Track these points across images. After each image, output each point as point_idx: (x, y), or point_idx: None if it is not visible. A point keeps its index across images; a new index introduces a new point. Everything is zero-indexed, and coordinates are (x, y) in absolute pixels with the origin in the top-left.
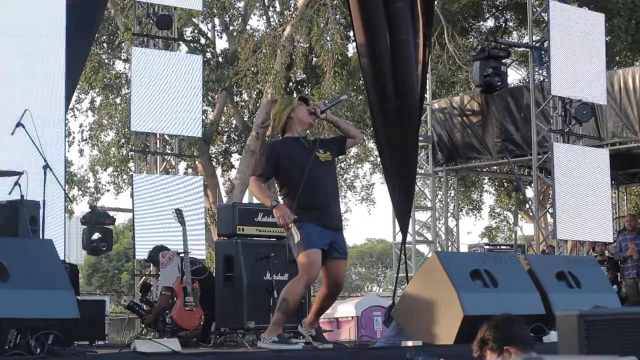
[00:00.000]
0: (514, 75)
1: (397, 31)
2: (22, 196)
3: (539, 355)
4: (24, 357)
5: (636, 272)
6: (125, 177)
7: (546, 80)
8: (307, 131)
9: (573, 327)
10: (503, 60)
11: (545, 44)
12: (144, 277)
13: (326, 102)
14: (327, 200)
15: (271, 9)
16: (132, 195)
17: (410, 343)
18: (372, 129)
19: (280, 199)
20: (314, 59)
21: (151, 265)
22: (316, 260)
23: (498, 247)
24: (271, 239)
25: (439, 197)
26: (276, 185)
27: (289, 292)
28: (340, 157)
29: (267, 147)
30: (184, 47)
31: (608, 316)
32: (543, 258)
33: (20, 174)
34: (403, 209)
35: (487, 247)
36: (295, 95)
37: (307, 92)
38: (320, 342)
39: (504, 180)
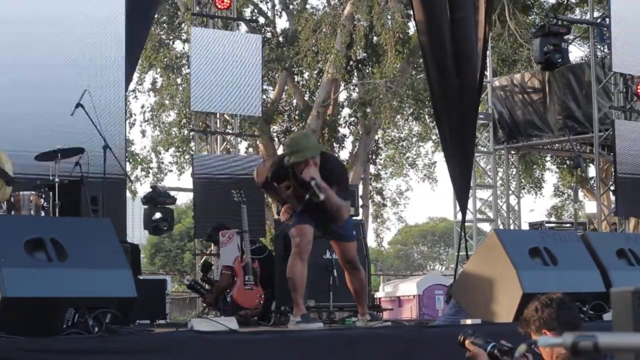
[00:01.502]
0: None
1: (456, 9)
2: (82, 176)
3: (592, 333)
4: (82, 335)
5: None
6: (187, 157)
7: (607, 56)
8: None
9: (627, 304)
10: (564, 37)
11: (607, 20)
12: (205, 257)
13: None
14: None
15: None
16: (192, 175)
17: (469, 321)
18: (432, 107)
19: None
20: (375, 38)
21: (212, 244)
22: (305, 232)
23: (560, 225)
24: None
25: (500, 175)
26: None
27: (288, 270)
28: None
29: (271, 167)
30: (243, 27)
31: None
32: (603, 236)
33: (80, 152)
34: (462, 188)
35: (548, 225)
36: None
37: (367, 71)
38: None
39: (566, 158)
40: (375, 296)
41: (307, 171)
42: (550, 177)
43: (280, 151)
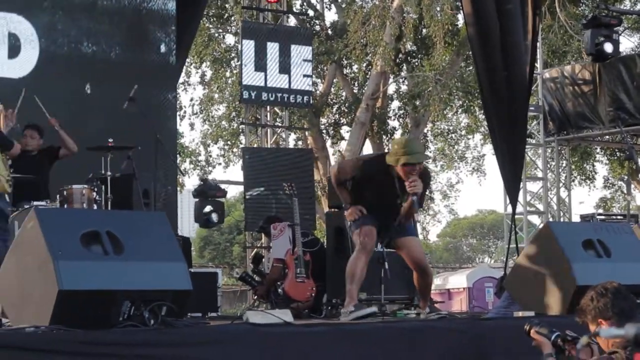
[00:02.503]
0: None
1: (504, 0)
2: (134, 170)
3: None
4: (138, 328)
5: None
6: (235, 150)
7: None
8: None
9: None
10: (615, 28)
11: None
12: (255, 249)
13: (417, 200)
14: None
15: None
16: (243, 168)
17: (521, 314)
18: (480, 99)
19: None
20: (424, 30)
21: (262, 237)
22: (370, 233)
23: (611, 217)
24: None
25: (551, 167)
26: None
27: (350, 266)
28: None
29: (359, 166)
30: (292, 20)
31: None
32: None
33: (132, 148)
34: (512, 180)
35: (599, 217)
36: (407, 141)
37: (416, 64)
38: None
39: (617, 150)
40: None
41: (416, 184)
42: (601, 169)
43: (329, 144)
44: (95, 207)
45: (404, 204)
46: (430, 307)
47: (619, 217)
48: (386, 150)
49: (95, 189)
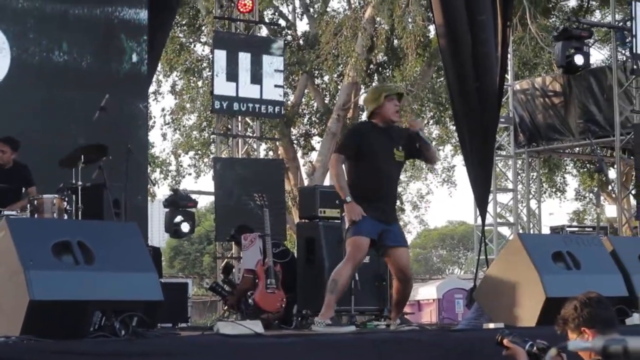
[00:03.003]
0: (597, 56)
1: (476, 12)
2: (105, 180)
3: (622, 337)
4: (109, 338)
5: None
6: (206, 160)
7: (629, 60)
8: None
9: None
10: (585, 41)
11: (628, 24)
12: (225, 260)
13: (423, 133)
14: (387, 198)
15: None
16: (213, 178)
17: (491, 325)
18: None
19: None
20: (395, 41)
21: (233, 247)
22: (362, 245)
23: (581, 229)
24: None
25: (521, 179)
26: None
27: (337, 274)
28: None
29: (354, 127)
30: (264, 30)
31: None
32: (626, 240)
33: (103, 153)
34: (482, 191)
35: (569, 229)
36: (382, 84)
37: (388, 75)
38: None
39: (587, 162)
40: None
41: (414, 121)
42: (572, 181)
43: (300, 154)
44: (65, 217)
45: (396, 152)
46: (400, 319)
47: (589, 229)
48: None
49: (66, 199)
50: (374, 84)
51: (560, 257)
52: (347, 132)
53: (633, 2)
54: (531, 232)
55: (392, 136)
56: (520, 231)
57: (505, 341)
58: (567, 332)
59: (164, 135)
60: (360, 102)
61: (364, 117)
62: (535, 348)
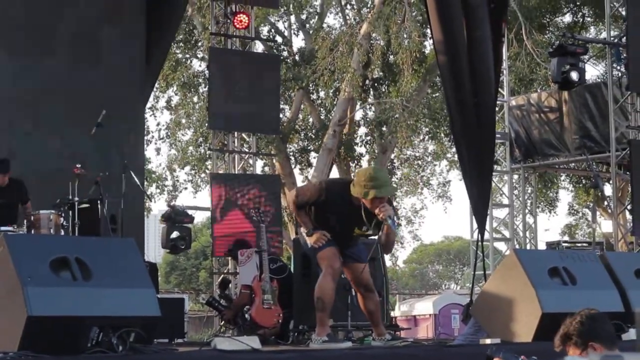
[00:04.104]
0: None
1: (473, 28)
2: (102, 195)
3: (619, 353)
4: (106, 354)
5: None
6: (203, 175)
7: (624, 76)
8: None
9: None
10: (581, 57)
11: (624, 40)
12: (222, 275)
13: (393, 218)
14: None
15: (348, 6)
16: (210, 194)
17: (488, 340)
18: (449, 126)
19: None
20: (391, 57)
21: (229, 263)
22: (334, 253)
23: (577, 244)
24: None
25: (517, 194)
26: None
27: (319, 289)
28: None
29: (324, 192)
30: (260, 46)
31: None
32: (622, 255)
33: (100, 173)
34: (480, 206)
35: (565, 244)
36: (377, 174)
37: (384, 90)
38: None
39: (582, 177)
40: (391, 315)
41: (387, 208)
42: (565, 196)
43: (297, 170)
44: (62, 232)
45: (369, 231)
46: (390, 334)
47: (584, 244)
48: (352, 177)
49: (63, 215)
50: (364, 167)
51: (556, 273)
52: (315, 190)
53: (627, 19)
54: (527, 247)
55: (360, 217)
56: (517, 246)
57: (496, 359)
58: (567, 350)
59: (158, 150)
60: (357, 117)
61: (360, 132)
62: None
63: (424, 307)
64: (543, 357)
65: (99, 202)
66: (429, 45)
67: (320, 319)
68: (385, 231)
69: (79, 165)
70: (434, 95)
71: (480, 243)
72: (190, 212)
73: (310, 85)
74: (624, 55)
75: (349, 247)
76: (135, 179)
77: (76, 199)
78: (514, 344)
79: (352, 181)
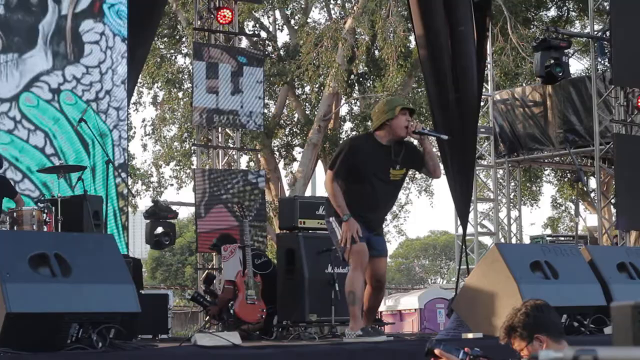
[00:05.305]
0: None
1: (456, 23)
2: (85, 191)
3: (592, 347)
4: (86, 350)
5: None
6: (188, 171)
7: (608, 70)
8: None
9: (627, 318)
10: (564, 51)
11: (607, 34)
12: (207, 271)
13: (427, 128)
14: (379, 214)
15: (332, 1)
16: (194, 190)
17: (470, 335)
18: (431, 121)
19: None
20: (376, 52)
21: (214, 258)
22: (363, 249)
23: (560, 238)
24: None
25: (501, 188)
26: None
27: (350, 283)
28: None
29: (349, 144)
30: (244, 41)
31: None
32: (604, 249)
33: (83, 169)
34: (463, 201)
35: (549, 238)
36: (394, 97)
37: (369, 85)
38: (382, 334)
39: (566, 171)
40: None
41: (416, 122)
42: (548, 190)
43: (281, 165)
44: (45, 228)
45: (404, 169)
46: (372, 328)
47: (568, 238)
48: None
49: (46, 211)
50: (385, 98)
51: (538, 267)
52: (342, 148)
53: (611, 13)
54: (512, 241)
55: (391, 154)
56: (502, 240)
57: (436, 351)
58: (512, 342)
59: (144, 146)
60: (342, 112)
61: (345, 127)
62: (468, 357)
63: (410, 301)
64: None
65: (82, 198)
66: (414, 40)
67: (353, 312)
68: (425, 149)
69: (62, 161)
70: (419, 90)
71: (463, 237)
72: (174, 207)
73: (295, 81)
74: (608, 49)
75: (380, 221)
76: (119, 174)
77: (59, 195)
78: (496, 338)
79: (370, 130)
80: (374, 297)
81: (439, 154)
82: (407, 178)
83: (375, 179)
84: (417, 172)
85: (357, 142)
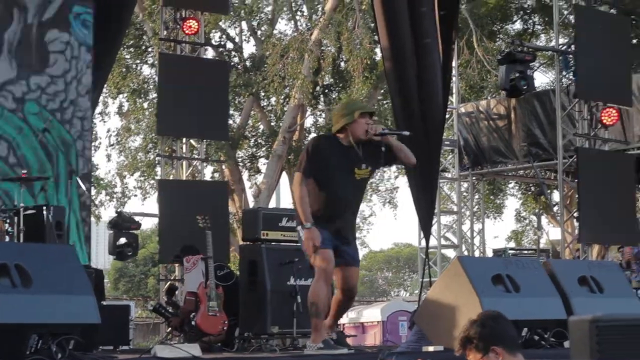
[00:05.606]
0: (542, 79)
1: (422, 35)
2: (47, 201)
3: None
4: None
5: None
6: (152, 181)
7: (572, 84)
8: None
9: (584, 333)
10: (529, 64)
11: (572, 48)
12: (169, 282)
13: (388, 128)
14: (346, 217)
15: (299, 13)
16: (158, 200)
17: (431, 348)
18: None
19: None
20: (342, 64)
21: (177, 270)
22: (328, 256)
23: (523, 251)
24: (295, 244)
25: (465, 201)
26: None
27: (313, 294)
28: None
29: (312, 143)
30: (210, 52)
31: (619, 322)
32: (566, 263)
33: (46, 179)
34: (426, 214)
35: (511, 251)
36: (353, 100)
37: (334, 97)
38: (343, 347)
39: (531, 185)
40: (339, 322)
41: (376, 124)
42: (512, 203)
43: (246, 176)
44: (7, 238)
45: (370, 167)
46: (340, 339)
47: (530, 251)
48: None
49: (8, 221)
50: (344, 101)
51: (499, 280)
52: (305, 149)
53: (575, 27)
54: (475, 254)
55: (355, 154)
56: (465, 253)
57: None
58: (468, 354)
59: (108, 157)
60: (307, 124)
61: (309, 138)
62: None
63: (372, 314)
64: None
65: (44, 208)
66: (379, 52)
67: (315, 325)
68: (392, 145)
69: (25, 171)
70: (384, 102)
71: (426, 250)
72: (137, 218)
73: (261, 92)
74: (572, 63)
75: (350, 227)
76: (82, 185)
77: (22, 204)
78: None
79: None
80: (343, 305)
81: (403, 166)
82: (369, 189)
83: (341, 179)
84: (379, 184)
85: (319, 141)
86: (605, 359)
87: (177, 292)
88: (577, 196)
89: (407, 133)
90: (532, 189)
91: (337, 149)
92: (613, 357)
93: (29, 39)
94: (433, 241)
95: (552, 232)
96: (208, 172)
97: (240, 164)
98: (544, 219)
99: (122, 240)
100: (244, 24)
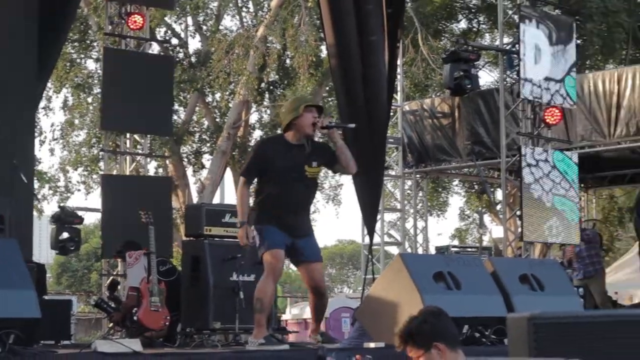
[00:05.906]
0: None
1: (367, 33)
2: None
3: (485, 357)
4: None
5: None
6: (95, 176)
7: (516, 83)
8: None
9: (522, 330)
10: (474, 63)
11: (516, 47)
12: (111, 277)
13: (335, 121)
14: (297, 214)
15: (245, 9)
16: (101, 195)
17: (372, 344)
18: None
19: (251, 200)
20: (287, 60)
21: (119, 265)
22: (277, 255)
23: (466, 249)
24: (238, 240)
25: (409, 198)
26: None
27: (260, 291)
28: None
29: (257, 148)
30: (156, 47)
31: (556, 319)
32: (507, 261)
33: None
34: (370, 211)
35: (454, 249)
36: (301, 95)
37: (279, 94)
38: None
39: (474, 183)
40: (281, 318)
41: (323, 118)
42: (456, 201)
43: (190, 172)
44: None
45: (319, 165)
46: (322, 335)
47: (473, 249)
48: None
49: None
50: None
51: (441, 277)
52: (252, 152)
53: (520, 26)
54: (419, 251)
55: (304, 152)
56: (408, 250)
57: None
58: (410, 349)
59: (51, 151)
60: (252, 120)
61: (255, 135)
62: None
63: None
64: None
65: None
66: (325, 49)
67: (258, 320)
68: (337, 144)
69: None
70: (330, 99)
71: (370, 246)
72: (80, 213)
73: (206, 88)
74: (516, 62)
75: (303, 222)
76: (24, 179)
77: None
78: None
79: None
80: (318, 304)
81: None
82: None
83: (291, 179)
84: (324, 181)
85: (265, 145)
86: (543, 356)
87: (119, 287)
88: (519, 195)
89: (352, 125)
90: (476, 187)
91: (284, 149)
92: (550, 354)
93: None
94: (377, 238)
95: (495, 230)
96: (152, 168)
97: (185, 159)
98: (487, 217)
99: (65, 235)
100: (189, 20)
